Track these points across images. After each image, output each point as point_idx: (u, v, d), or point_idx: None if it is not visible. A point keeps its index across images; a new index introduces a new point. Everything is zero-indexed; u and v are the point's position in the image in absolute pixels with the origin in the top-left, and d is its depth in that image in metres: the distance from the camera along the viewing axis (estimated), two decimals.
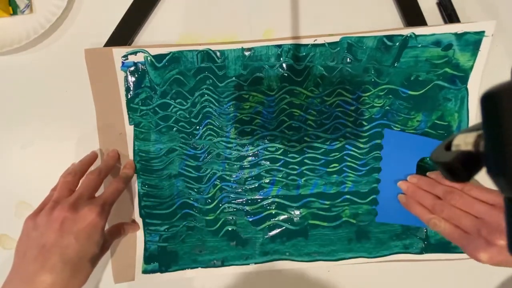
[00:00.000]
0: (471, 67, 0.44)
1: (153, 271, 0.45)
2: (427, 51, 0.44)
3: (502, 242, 0.33)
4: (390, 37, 0.43)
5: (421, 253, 0.45)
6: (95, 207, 0.36)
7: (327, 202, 0.45)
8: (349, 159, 0.45)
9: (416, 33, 0.43)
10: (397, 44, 0.43)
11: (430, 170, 0.43)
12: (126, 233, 0.44)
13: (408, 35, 0.43)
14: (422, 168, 0.44)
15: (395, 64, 0.44)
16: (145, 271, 0.45)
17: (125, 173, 0.43)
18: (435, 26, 0.44)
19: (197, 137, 0.45)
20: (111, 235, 0.41)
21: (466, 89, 0.44)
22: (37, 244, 0.34)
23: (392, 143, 0.44)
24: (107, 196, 0.39)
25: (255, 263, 0.45)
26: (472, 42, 0.43)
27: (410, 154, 0.43)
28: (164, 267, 0.45)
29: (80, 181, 0.40)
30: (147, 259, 0.45)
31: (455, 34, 0.43)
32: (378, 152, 0.45)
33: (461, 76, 0.44)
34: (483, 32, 0.43)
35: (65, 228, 0.35)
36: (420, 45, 0.43)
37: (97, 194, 0.39)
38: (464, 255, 0.44)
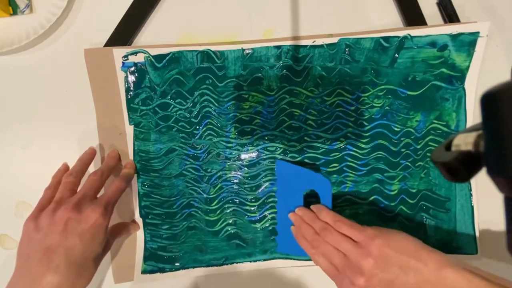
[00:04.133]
0: (467, 67, 0.44)
1: (153, 271, 0.45)
2: (423, 52, 0.44)
3: (361, 282, 0.34)
4: (386, 39, 0.44)
5: None
6: (98, 207, 0.36)
7: None
8: (349, 159, 0.45)
9: (412, 34, 0.43)
10: (393, 45, 0.44)
11: (314, 203, 0.42)
12: (127, 233, 0.44)
13: (404, 36, 0.43)
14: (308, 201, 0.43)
15: (393, 65, 0.44)
16: (145, 271, 0.45)
17: (126, 173, 0.43)
18: (430, 27, 0.44)
19: (197, 137, 0.45)
20: (112, 235, 0.42)
21: (463, 89, 0.44)
22: (41, 246, 0.34)
23: (283, 174, 0.43)
24: (109, 196, 0.39)
25: (255, 262, 0.45)
26: (467, 43, 0.43)
27: (298, 186, 0.42)
28: (165, 267, 0.45)
29: (82, 182, 0.40)
30: (147, 259, 0.45)
31: (450, 35, 0.43)
32: (381, 152, 0.45)
33: (458, 76, 0.44)
34: (478, 33, 0.43)
35: (69, 229, 0.35)
36: (416, 46, 0.44)
37: (98, 195, 0.40)
38: (466, 256, 0.45)
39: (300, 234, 0.40)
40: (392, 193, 0.45)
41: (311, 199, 0.44)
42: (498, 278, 0.32)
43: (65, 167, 0.42)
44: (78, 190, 0.39)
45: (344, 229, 0.37)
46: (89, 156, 0.42)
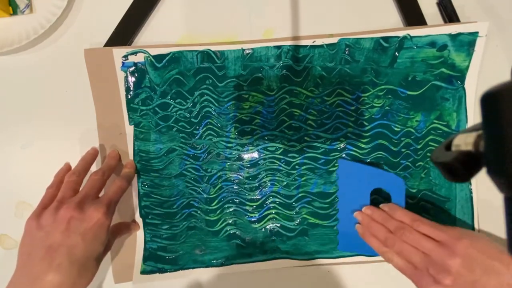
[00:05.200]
0: (467, 67, 0.44)
1: (152, 271, 0.45)
2: (422, 51, 0.44)
3: (448, 282, 0.34)
4: (386, 39, 0.44)
5: None
6: (101, 206, 0.36)
7: (327, 201, 0.45)
8: (349, 159, 0.45)
9: (412, 34, 0.43)
10: (393, 45, 0.44)
11: (383, 202, 0.42)
12: (128, 232, 0.44)
13: (404, 36, 0.43)
14: (375, 200, 0.44)
15: (393, 65, 0.44)
16: (144, 271, 0.45)
17: (127, 172, 0.43)
18: (430, 27, 0.44)
19: (197, 137, 0.45)
20: (113, 234, 0.42)
21: (463, 88, 0.44)
22: (43, 245, 0.34)
23: (347, 173, 0.44)
24: (111, 195, 0.39)
25: (255, 262, 0.45)
26: (466, 43, 0.43)
27: (364, 185, 0.43)
28: (164, 267, 0.45)
29: (84, 182, 0.40)
30: (147, 259, 0.45)
31: (450, 35, 0.43)
32: (381, 152, 0.45)
33: (458, 76, 0.44)
34: (477, 32, 0.43)
35: (72, 228, 0.35)
36: (415, 46, 0.44)
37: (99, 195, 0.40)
38: None
39: (369, 233, 0.40)
40: None
41: (373, 197, 0.44)
42: None
43: (67, 167, 0.42)
44: (80, 190, 0.39)
45: (424, 229, 0.37)
46: (91, 156, 0.43)
